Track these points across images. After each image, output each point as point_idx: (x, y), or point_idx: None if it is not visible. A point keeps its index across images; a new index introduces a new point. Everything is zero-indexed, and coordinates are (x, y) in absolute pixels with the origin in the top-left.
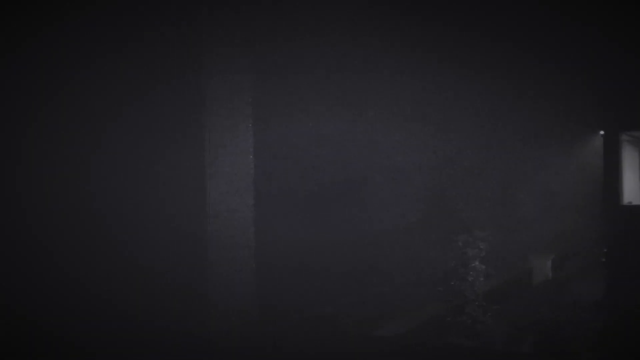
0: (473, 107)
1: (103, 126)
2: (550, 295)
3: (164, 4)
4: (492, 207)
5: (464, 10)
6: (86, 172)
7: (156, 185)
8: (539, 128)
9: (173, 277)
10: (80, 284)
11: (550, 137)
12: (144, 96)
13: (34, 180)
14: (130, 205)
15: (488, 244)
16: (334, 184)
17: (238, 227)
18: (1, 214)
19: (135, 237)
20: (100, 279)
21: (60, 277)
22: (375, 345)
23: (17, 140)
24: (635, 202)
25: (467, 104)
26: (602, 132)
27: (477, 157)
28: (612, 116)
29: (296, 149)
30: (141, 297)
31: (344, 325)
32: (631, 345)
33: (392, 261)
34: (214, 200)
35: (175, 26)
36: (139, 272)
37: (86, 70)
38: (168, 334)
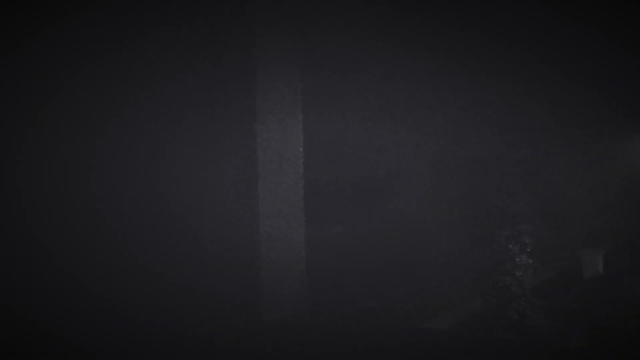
0: (516, 102)
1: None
2: (602, 291)
3: None
4: (539, 202)
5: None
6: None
7: (205, 179)
8: (587, 121)
9: (225, 267)
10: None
11: (599, 131)
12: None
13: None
14: (179, 201)
15: (534, 239)
16: (378, 180)
17: (288, 220)
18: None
19: (175, 236)
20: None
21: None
22: (421, 339)
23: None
24: None
25: (509, 99)
26: None
27: (522, 152)
28: None
29: (342, 143)
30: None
31: (390, 319)
32: None
33: (437, 256)
34: (264, 194)
35: (222, 12)
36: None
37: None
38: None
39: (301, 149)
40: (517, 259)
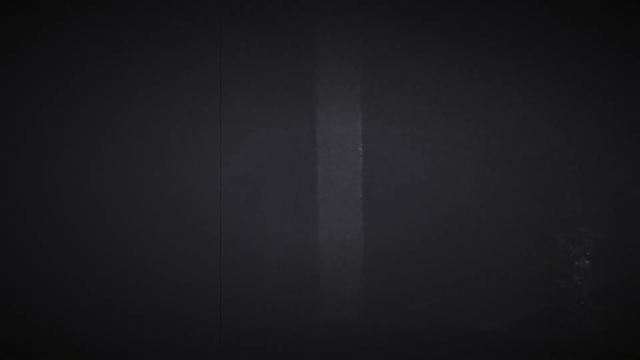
0: (572, 95)
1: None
2: None
3: None
4: (599, 203)
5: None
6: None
7: (262, 178)
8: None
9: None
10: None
11: None
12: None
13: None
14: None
15: (594, 241)
16: (430, 179)
17: (347, 220)
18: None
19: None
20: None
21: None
22: (473, 341)
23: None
24: None
25: (565, 92)
26: None
27: (581, 150)
28: None
29: (397, 144)
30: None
31: (441, 320)
32: None
33: (490, 257)
34: (323, 194)
35: (284, 5)
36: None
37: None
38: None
39: (360, 149)
40: (576, 262)
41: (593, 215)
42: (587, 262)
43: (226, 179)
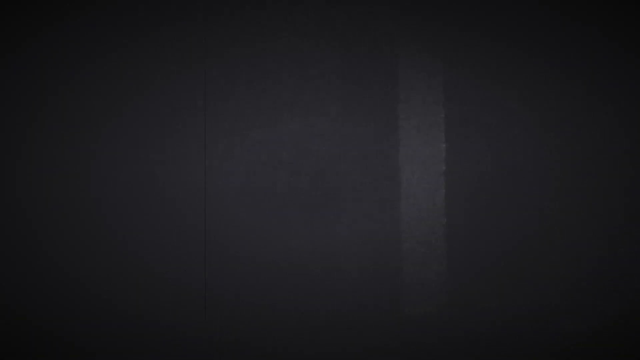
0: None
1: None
2: None
3: None
4: None
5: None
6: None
7: (346, 178)
8: None
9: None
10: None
11: None
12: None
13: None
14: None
15: None
16: (511, 180)
17: (430, 221)
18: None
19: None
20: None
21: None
22: (546, 339)
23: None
24: None
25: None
26: None
27: None
28: None
29: (479, 142)
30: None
31: (516, 318)
32: None
33: (568, 255)
34: (406, 187)
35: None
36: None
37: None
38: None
39: (444, 145)
40: None
41: None
42: None
43: (290, 175)
